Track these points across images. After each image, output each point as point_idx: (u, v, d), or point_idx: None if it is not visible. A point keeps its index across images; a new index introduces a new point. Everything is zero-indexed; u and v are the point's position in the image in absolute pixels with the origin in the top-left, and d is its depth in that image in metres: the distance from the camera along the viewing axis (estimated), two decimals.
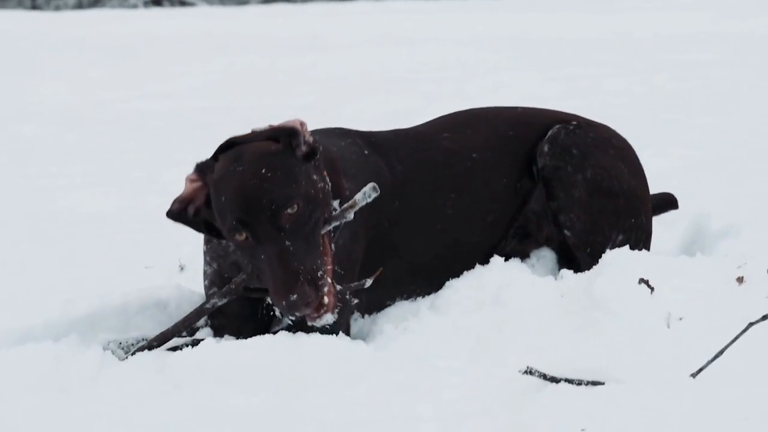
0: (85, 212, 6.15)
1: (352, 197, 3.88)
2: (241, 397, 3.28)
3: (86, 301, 4.05)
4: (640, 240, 4.42)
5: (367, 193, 3.75)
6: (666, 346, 3.53)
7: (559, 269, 4.34)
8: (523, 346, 3.61)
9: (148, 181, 6.67)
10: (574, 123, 4.48)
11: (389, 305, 4.22)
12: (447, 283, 4.21)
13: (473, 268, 4.27)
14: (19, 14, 29.31)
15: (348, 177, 4.00)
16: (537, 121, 4.53)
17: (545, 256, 4.47)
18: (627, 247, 4.18)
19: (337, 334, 3.85)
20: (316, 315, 3.55)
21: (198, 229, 3.82)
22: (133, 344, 3.90)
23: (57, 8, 37.22)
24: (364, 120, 5.21)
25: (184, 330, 3.86)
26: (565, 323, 3.80)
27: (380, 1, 30.51)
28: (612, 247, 4.27)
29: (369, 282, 3.77)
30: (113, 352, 3.81)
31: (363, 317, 4.15)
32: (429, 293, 4.24)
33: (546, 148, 4.40)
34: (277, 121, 3.77)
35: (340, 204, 3.84)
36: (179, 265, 4.89)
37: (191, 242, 4.90)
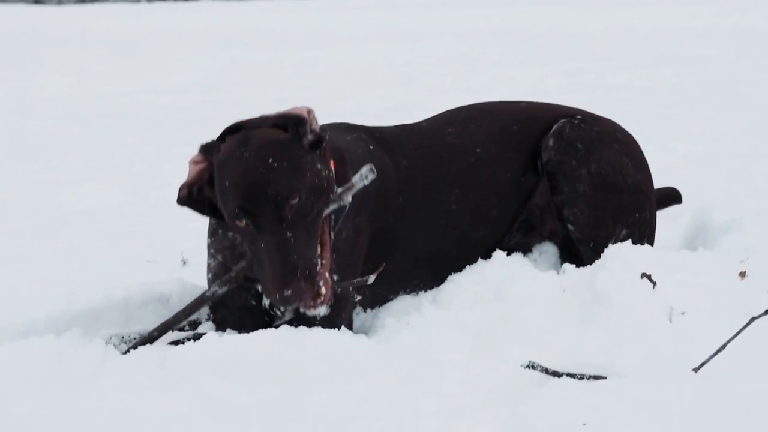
0: (88, 206, 6.15)
1: (357, 197, 3.89)
2: (243, 391, 3.27)
3: (88, 295, 4.06)
4: (644, 235, 4.42)
5: (364, 175, 3.74)
6: (668, 340, 3.53)
7: (562, 264, 4.35)
8: (525, 340, 3.61)
9: (151, 175, 6.68)
10: (579, 117, 4.48)
11: (392, 299, 4.22)
12: (449, 278, 4.21)
13: (476, 262, 4.28)
14: (21, 8, 29.34)
15: (354, 170, 4.00)
16: (541, 116, 4.52)
17: (547, 250, 4.47)
18: (629, 241, 4.18)
19: (339, 328, 3.85)
20: (312, 304, 3.55)
21: (202, 210, 3.82)
22: (134, 338, 3.90)
23: (59, 2, 37.23)
24: (367, 114, 5.21)
25: (185, 319, 3.85)
26: (567, 318, 3.80)
27: None
28: (616, 242, 4.27)
29: (372, 278, 3.77)
30: (115, 346, 3.81)
31: (365, 311, 4.15)
32: (432, 288, 4.25)
33: (551, 143, 4.40)
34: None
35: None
36: (182, 260, 4.90)
37: (194, 236, 4.91)
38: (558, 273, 4.16)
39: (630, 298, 3.75)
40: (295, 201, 3.55)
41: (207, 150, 3.71)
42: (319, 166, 3.68)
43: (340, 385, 3.31)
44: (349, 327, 3.96)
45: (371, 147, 4.17)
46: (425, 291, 4.24)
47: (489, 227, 4.38)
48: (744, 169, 6.28)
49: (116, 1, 37.37)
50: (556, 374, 3.32)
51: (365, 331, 4.04)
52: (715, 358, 3.28)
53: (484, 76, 10.52)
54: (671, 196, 5.09)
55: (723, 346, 3.28)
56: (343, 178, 3.86)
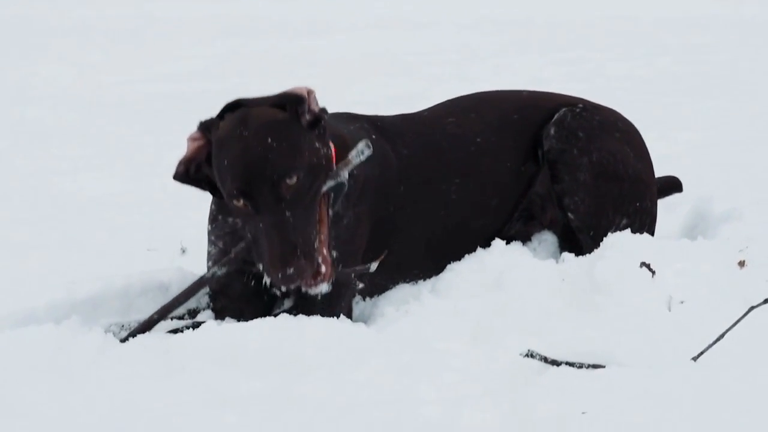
0: (88, 195, 6.15)
1: (358, 180, 3.89)
2: (243, 380, 3.28)
3: (88, 284, 4.06)
4: (645, 224, 4.42)
5: (360, 150, 3.74)
6: (667, 329, 3.53)
7: (561, 252, 4.35)
8: (524, 329, 3.61)
9: (151, 164, 6.67)
10: (581, 106, 4.48)
11: (391, 288, 4.22)
12: (448, 267, 4.21)
13: (476, 251, 4.28)
14: None
15: None
16: (542, 105, 4.52)
17: (547, 239, 4.47)
18: (629, 230, 4.19)
19: (339, 314, 3.86)
20: (312, 283, 3.55)
21: (201, 186, 3.82)
22: (134, 326, 3.90)
23: None
24: (367, 103, 5.21)
25: (185, 301, 3.84)
26: (566, 307, 3.81)
27: None
28: (616, 231, 4.27)
29: (374, 266, 3.77)
30: (115, 335, 3.82)
31: (364, 300, 4.15)
32: (432, 277, 4.25)
33: (552, 131, 4.40)
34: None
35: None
36: (181, 248, 4.90)
37: (193, 225, 4.91)
38: (557, 262, 4.16)
39: (629, 287, 3.75)
40: (294, 181, 3.55)
41: (205, 127, 3.71)
42: (317, 145, 3.68)
43: (340, 374, 3.31)
44: (349, 315, 3.96)
45: (373, 136, 4.17)
46: (424, 280, 4.24)
47: (489, 216, 4.38)
48: (744, 158, 6.27)
49: None
50: (555, 363, 3.33)
51: (364, 319, 4.05)
52: (714, 347, 3.28)
53: (484, 66, 10.51)
54: (672, 185, 5.09)
55: (722, 335, 3.29)
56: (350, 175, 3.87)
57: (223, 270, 3.85)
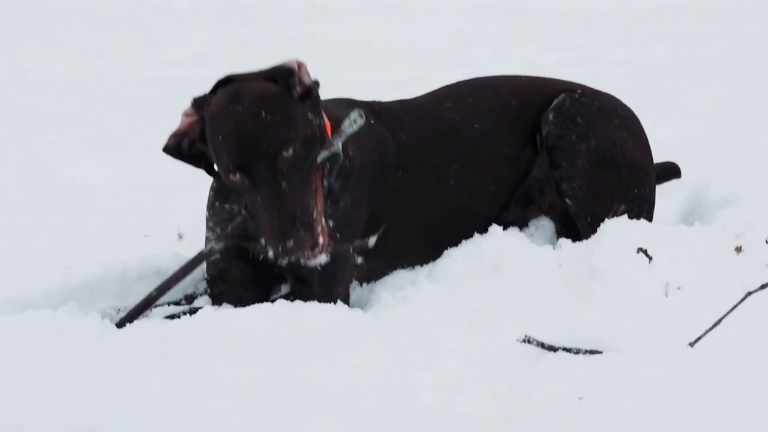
0: (85, 181, 6.14)
1: (356, 162, 3.90)
2: (240, 366, 3.28)
3: (85, 269, 4.06)
4: (643, 210, 4.42)
5: (353, 119, 3.75)
6: (664, 315, 3.54)
7: (558, 238, 4.35)
8: (521, 314, 3.62)
9: (149, 150, 6.64)
10: (579, 92, 4.48)
11: (389, 274, 4.23)
12: (445, 252, 4.21)
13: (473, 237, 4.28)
14: None
15: (354, 140, 4.00)
16: (542, 90, 4.52)
17: (544, 225, 4.47)
18: (626, 216, 4.19)
19: (335, 302, 3.86)
20: (310, 254, 3.55)
21: (195, 163, 3.83)
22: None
23: None
24: (365, 90, 5.20)
25: (183, 278, 3.84)
26: (564, 292, 3.81)
27: None
28: (614, 217, 4.27)
29: (372, 240, 3.77)
30: (111, 319, 3.82)
31: (362, 286, 4.15)
32: (430, 263, 4.25)
33: (551, 117, 4.39)
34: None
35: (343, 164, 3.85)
36: (178, 234, 4.89)
37: (190, 211, 4.90)
38: (554, 248, 4.16)
39: (626, 273, 3.76)
40: (290, 153, 3.56)
41: (199, 104, 3.72)
42: (310, 116, 3.69)
43: (337, 360, 3.31)
44: (346, 301, 3.96)
45: (371, 121, 4.17)
46: (422, 266, 4.24)
47: (487, 202, 4.38)
48: (741, 144, 6.27)
49: None
50: (552, 349, 3.33)
51: (361, 305, 4.05)
52: (711, 332, 3.28)
53: (482, 52, 10.48)
54: (671, 171, 5.09)
55: (719, 321, 3.29)
56: (345, 154, 3.87)
57: (221, 245, 3.86)
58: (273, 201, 3.53)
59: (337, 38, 11.91)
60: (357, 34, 12.25)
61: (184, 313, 3.80)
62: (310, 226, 3.52)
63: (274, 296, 3.99)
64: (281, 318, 3.59)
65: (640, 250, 3.81)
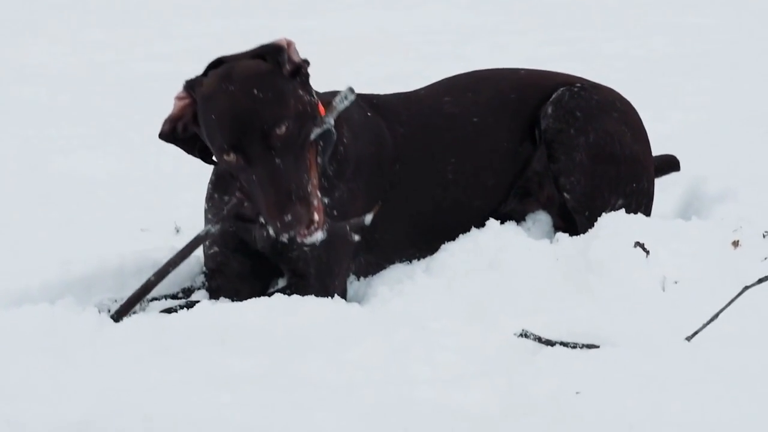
0: (82, 174, 6.13)
1: (352, 152, 3.90)
2: (237, 360, 3.28)
3: (83, 263, 4.06)
4: (641, 204, 4.42)
5: (343, 95, 3.76)
6: (661, 309, 3.54)
7: (555, 232, 4.35)
8: (519, 309, 3.62)
9: (146, 144, 6.65)
10: (578, 85, 4.47)
11: (387, 268, 4.23)
12: (442, 246, 4.22)
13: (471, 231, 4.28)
14: None
15: (349, 129, 4.01)
16: (541, 83, 4.52)
17: (541, 219, 4.47)
18: (623, 210, 4.19)
19: (332, 296, 3.86)
20: (306, 233, 3.56)
21: (189, 150, 3.84)
22: None
23: None
24: (362, 83, 5.20)
25: (180, 262, 3.83)
26: (561, 286, 3.81)
27: None
28: (612, 212, 4.27)
29: (369, 217, 3.77)
30: (110, 310, 3.82)
31: (359, 280, 4.16)
32: (427, 257, 4.25)
33: (550, 110, 4.39)
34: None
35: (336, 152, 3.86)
36: (175, 228, 4.89)
37: (188, 205, 4.90)
38: (551, 242, 4.16)
39: (623, 267, 3.76)
40: (283, 130, 3.58)
41: (190, 86, 3.73)
42: (301, 92, 3.70)
43: (334, 354, 3.31)
44: (343, 296, 3.96)
45: (368, 113, 4.18)
46: (419, 260, 4.24)
47: (485, 196, 4.37)
48: (739, 137, 6.27)
49: None
50: (549, 343, 3.33)
51: (358, 299, 4.05)
52: (708, 326, 3.29)
53: (480, 45, 10.47)
54: (670, 164, 5.09)
55: (716, 315, 3.29)
56: (339, 141, 3.89)
57: (217, 228, 3.86)
58: (268, 177, 3.55)
59: (335, 31, 11.90)
60: (353, 26, 12.24)
61: (182, 307, 3.81)
62: (306, 200, 3.54)
63: (272, 290, 4.00)
64: (279, 312, 3.59)
65: (637, 244, 3.80)
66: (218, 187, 4.01)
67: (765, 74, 8.48)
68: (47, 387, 3.16)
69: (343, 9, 13.51)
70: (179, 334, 3.47)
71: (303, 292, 3.81)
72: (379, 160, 4.12)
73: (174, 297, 4.05)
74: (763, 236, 3.99)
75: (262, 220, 3.68)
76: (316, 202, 3.58)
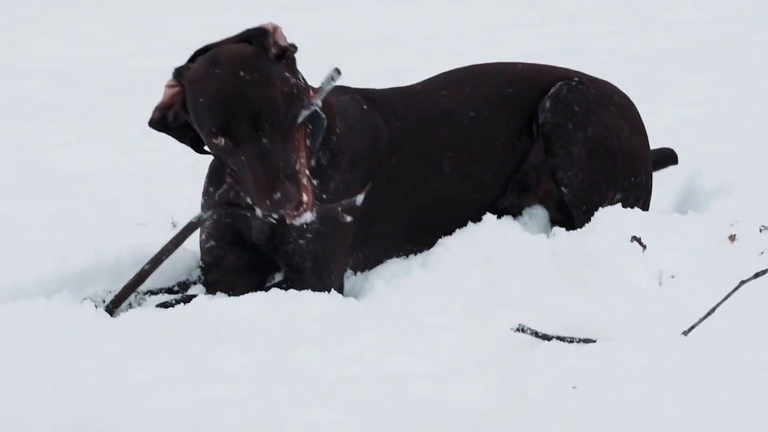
0: (79, 169, 6.13)
1: (346, 143, 3.90)
2: (233, 354, 3.28)
3: (79, 258, 4.05)
4: (639, 198, 4.42)
5: (330, 76, 3.77)
6: (658, 303, 3.54)
7: (552, 227, 4.35)
8: (515, 303, 3.62)
9: (142, 138, 6.64)
10: (576, 79, 4.47)
11: (384, 263, 4.22)
12: (439, 241, 4.22)
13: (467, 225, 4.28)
14: None
15: (343, 119, 4.01)
16: (538, 78, 4.51)
17: (538, 213, 4.47)
18: (620, 204, 4.19)
19: (329, 291, 3.86)
20: (295, 214, 3.57)
21: (181, 138, 3.85)
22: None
23: None
24: (358, 78, 5.18)
25: (174, 249, 3.84)
26: (557, 281, 3.81)
27: None
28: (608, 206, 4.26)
29: (360, 198, 3.76)
30: (104, 301, 3.82)
31: (356, 274, 4.15)
32: (423, 252, 4.25)
33: (548, 105, 4.39)
34: None
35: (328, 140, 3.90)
36: (172, 222, 4.89)
37: (184, 199, 4.90)
38: (548, 236, 4.16)
39: (620, 262, 3.76)
40: (269, 110, 3.59)
41: (178, 73, 3.75)
42: (287, 74, 3.72)
43: (330, 349, 3.31)
44: (340, 290, 3.96)
45: (364, 107, 4.18)
46: (416, 254, 4.24)
47: (482, 190, 4.37)
48: (735, 132, 6.27)
49: None
50: (546, 338, 3.33)
51: (355, 294, 4.05)
52: (705, 321, 3.29)
53: (476, 39, 10.46)
54: (667, 157, 5.08)
55: (712, 310, 3.29)
56: (332, 130, 3.93)
57: (209, 213, 3.86)
58: (256, 157, 3.56)
59: (330, 26, 11.89)
60: (349, 21, 12.23)
61: (178, 301, 3.80)
62: (294, 178, 3.56)
63: (268, 284, 4.00)
64: (276, 307, 3.59)
65: (633, 238, 3.81)
66: (213, 180, 4.01)
67: (762, 68, 8.48)
68: (43, 381, 3.15)
69: (339, 3, 13.50)
70: (175, 329, 3.47)
71: (299, 287, 3.82)
72: (375, 152, 4.12)
73: (170, 291, 4.05)
74: (760, 231, 3.99)
75: (249, 200, 3.68)
76: (305, 181, 3.59)
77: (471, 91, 4.43)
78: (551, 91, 4.42)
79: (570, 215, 4.38)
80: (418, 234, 4.24)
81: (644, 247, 3.79)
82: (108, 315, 3.72)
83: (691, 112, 6.96)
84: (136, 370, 3.20)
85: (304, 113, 3.72)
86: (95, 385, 3.12)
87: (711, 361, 3.10)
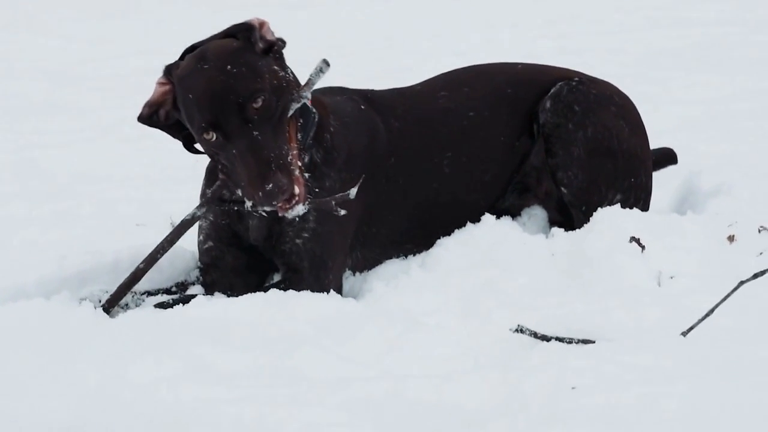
0: (77, 169, 6.13)
1: (339, 139, 3.90)
2: (232, 355, 3.28)
3: (78, 259, 4.05)
4: (639, 199, 4.41)
5: (319, 67, 3.77)
6: (656, 304, 3.53)
7: (551, 227, 4.34)
8: (514, 304, 3.61)
9: (139, 139, 6.65)
10: (576, 79, 4.46)
11: (383, 263, 4.22)
12: (438, 241, 4.21)
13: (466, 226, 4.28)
14: None
15: (337, 118, 4.01)
16: (538, 78, 4.51)
17: (537, 214, 4.47)
18: (618, 205, 4.19)
19: (328, 291, 3.85)
20: (287, 206, 3.57)
21: (173, 134, 3.88)
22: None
23: None
24: (357, 78, 5.17)
25: (169, 247, 3.84)
26: (556, 281, 3.81)
27: None
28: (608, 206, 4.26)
29: (354, 191, 3.76)
30: (100, 300, 3.82)
31: (355, 275, 4.15)
32: (422, 252, 4.24)
33: (548, 105, 4.38)
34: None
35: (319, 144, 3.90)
36: (171, 223, 4.88)
37: (183, 200, 4.90)
38: (547, 237, 4.16)
39: (619, 262, 3.76)
40: (259, 103, 3.62)
41: (168, 71, 3.78)
42: (275, 67, 3.75)
43: (329, 349, 3.31)
44: (338, 291, 3.96)
45: (362, 107, 4.18)
46: (415, 255, 4.24)
47: (482, 191, 4.37)
48: (734, 132, 6.27)
49: None
50: (544, 338, 3.33)
51: (354, 294, 4.04)
52: (704, 322, 3.28)
53: (476, 39, 10.47)
54: (667, 157, 5.08)
55: (711, 310, 3.29)
56: (325, 128, 3.94)
57: (203, 210, 3.87)
58: (247, 149, 3.58)
59: (329, 26, 11.89)
60: (349, 21, 12.23)
61: (177, 302, 3.80)
62: (286, 169, 3.57)
63: (266, 285, 3.99)
64: (274, 307, 3.59)
65: (632, 239, 3.80)
66: (209, 180, 4.02)
67: (762, 68, 8.48)
68: (43, 382, 3.15)
69: (338, 3, 13.50)
70: (174, 329, 3.47)
71: (297, 287, 3.82)
72: (373, 152, 4.12)
73: (169, 292, 4.05)
74: (759, 231, 3.99)
75: (240, 193, 3.69)
76: (297, 173, 3.59)
77: (470, 91, 4.43)
78: (551, 91, 4.42)
79: (569, 216, 4.38)
80: (417, 234, 4.24)
81: (643, 247, 3.78)
82: (106, 315, 3.71)
83: (691, 112, 6.96)
84: (134, 370, 3.20)
85: (294, 106, 3.73)
86: (94, 386, 3.12)
87: (710, 361, 3.10)
